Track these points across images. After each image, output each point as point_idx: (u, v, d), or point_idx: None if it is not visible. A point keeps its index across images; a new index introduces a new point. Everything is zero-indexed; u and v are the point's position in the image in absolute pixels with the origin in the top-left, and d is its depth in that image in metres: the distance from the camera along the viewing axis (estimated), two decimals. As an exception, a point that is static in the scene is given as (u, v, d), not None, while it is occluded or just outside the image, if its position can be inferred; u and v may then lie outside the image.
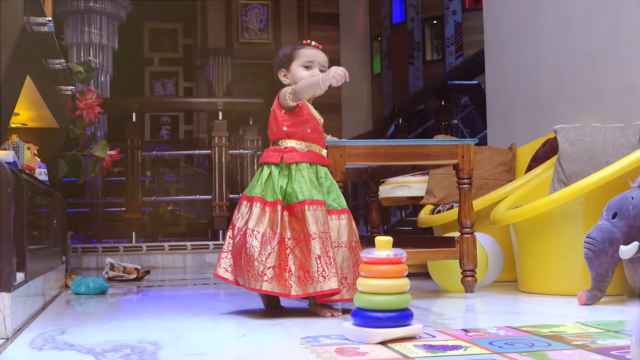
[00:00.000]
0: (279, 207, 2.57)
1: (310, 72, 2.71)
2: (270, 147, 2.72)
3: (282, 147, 2.67)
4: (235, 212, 2.70)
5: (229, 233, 2.70)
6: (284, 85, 2.75)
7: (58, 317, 2.69)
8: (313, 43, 2.75)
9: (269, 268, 2.49)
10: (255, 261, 2.50)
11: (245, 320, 2.51)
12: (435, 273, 3.38)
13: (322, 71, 2.72)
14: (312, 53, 2.74)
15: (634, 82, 3.69)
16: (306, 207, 2.55)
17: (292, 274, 2.51)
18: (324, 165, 2.71)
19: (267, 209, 2.58)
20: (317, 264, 2.50)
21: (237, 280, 2.61)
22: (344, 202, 2.70)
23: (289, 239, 2.55)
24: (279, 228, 2.54)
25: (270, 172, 2.64)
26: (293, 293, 2.50)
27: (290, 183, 2.61)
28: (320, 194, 2.60)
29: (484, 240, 3.39)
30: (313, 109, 2.73)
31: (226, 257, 2.67)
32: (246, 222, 2.60)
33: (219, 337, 2.17)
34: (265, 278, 2.48)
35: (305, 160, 2.64)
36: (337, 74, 2.56)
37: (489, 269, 3.35)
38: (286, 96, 2.65)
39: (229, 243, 2.68)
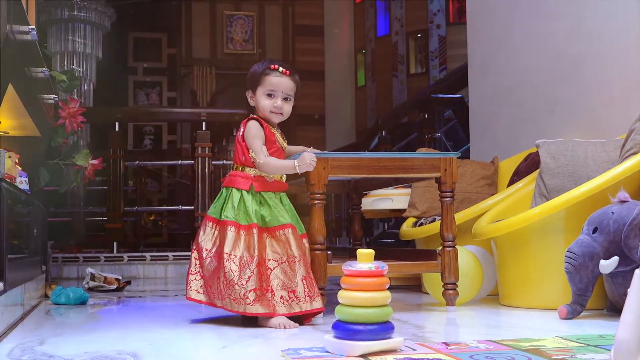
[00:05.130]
0: (255, 231, 2.64)
1: (271, 101, 2.75)
2: (237, 172, 2.76)
3: (251, 175, 2.73)
4: (200, 233, 2.75)
5: (194, 255, 2.76)
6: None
7: (37, 328, 2.67)
8: (280, 69, 2.76)
9: (250, 291, 2.55)
10: (236, 285, 2.56)
11: (226, 331, 2.51)
12: (428, 283, 3.35)
13: (285, 99, 2.77)
14: (276, 81, 2.75)
15: (616, 97, 3.73)
16: (290, 230, 2.66)
17: (274, 294, 2.58)
18: (284, 191, 2.82)
19: (241, 232, 2.64)
20: (304, 284, 2.61)
21: (214, 303, 2.66)
22: (303, 227, 2.82)
23: (269, 260, 2.62)
24: (256, 251, 2.61)
25: (242, 197, 2.70)
26: (278, 312, 2.57)
27: (266, 208, 2.69)
28: (292, 221, 2.72)
29: (478, 253, 3.39)
30: (279, 135, 2.82)
31: (195, 279, 2.73)
32: (215, 245, 2.67)
33: (199, 349, 2.16)
34: (248, 301, 2.55)
35: (272, 190, 2.75)
36: (313, 163, 2.68)
37: (484, 282, 3.35)
38: (253, 157, 2.71)
39: (196, 265, 2.74)
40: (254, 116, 2.78)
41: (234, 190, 2.72)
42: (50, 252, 4.91)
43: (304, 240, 2.77)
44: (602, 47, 3.85)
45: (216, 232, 2.70)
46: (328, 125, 11.92)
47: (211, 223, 2.73)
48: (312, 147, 2.92)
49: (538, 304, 3.10)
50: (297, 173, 2.72)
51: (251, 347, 2.14)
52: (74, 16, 7.79)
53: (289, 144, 2.90)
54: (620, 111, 3.66)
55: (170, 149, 12.31)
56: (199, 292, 2.71)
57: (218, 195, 2.79)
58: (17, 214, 3.02)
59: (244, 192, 2.70)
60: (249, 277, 2.56)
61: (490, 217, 3.51)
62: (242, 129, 2.76)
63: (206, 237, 2.71)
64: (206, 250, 2.70)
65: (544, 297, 3.09)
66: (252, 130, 2.73)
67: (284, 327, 2.53)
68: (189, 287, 2.73)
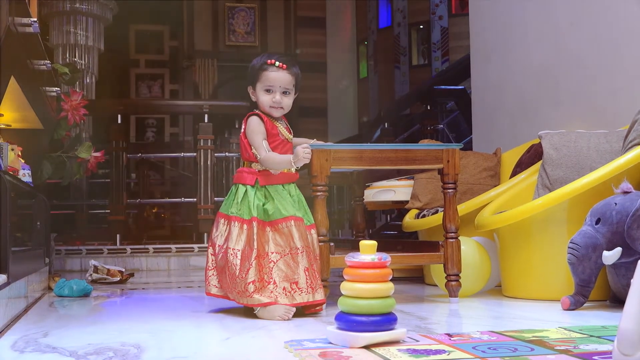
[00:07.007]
0: (255, 224, 2.66)
1: (270, 96, 2.76)
2: (243, 167, 2.80)
3: (256, 170, 2.76)
4: (214, 230, 2.80)
5: (210, 251, 2.81)
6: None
7: (41, 320, 2.68)
8: (277, 63, 2.77)
9: (249, 283, 2.59)
10: (237, 278, 2.62)
11: (229, 323, 2.51)
12: (435, 274, 3.35)
13: (284, 93, 2.78)
14: (273, 76, 2.77)
15: (618, 88, 3.72)
16: (292, 222, 2.67)
17: (277, 286, 2.61)
18: (293, 182, 2.83)
19: (244, 226, 2.69)
20: (306, 275, 2.63)
21: (228, 296, 2.73)
22: (312, 218, 2.82)
23: (272, 252, 2.64)
24: (255, 244, 2.64)
25: (246, 191, 2.73)
26: (280, 302, 2.59)
27: (270, 201, 2.72)
28: (298, 212, 2.73)
29: (486, 245, 3.39)
30: (283, 127, 2.82)
31: (213, 274, 2.79)
32: (226, 241, 2.70)
33: (202, 340, 2.16)
34: (248, 293, 2.59)
35: (278, 182, 2.76)
36: (307, 156, 2.69)
37: (492, 273, 3.35)
38: (255, 153, 2.73)
39: (212, 261, 2.79)
40: (255, 112, 2.80)
41: (240, 186, 2.76)
42: (54, 244, 4.92)
43: (312, 231, 2.77)
44: (605, 38, 3.84)
45: (227, 228, 2.73)
46: (330, 117, 11.90)
47: (222, 219, 2.77)
48: (315, 139, 2.93)
49: (541, 295, 3.10)
50: (297, 167, 2.76)
51: (254, 339, 2.15)
52: (75, 8, 7.79)
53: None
54: (623, 102, 3.65)
55: (172, 141, 12.31)
56: (216, 287, 2.77)
57: (229, 192, 2.83)
58: (20, 206, 3.03)
59: (249, 187, 2.73)
60: (248, 270, 2.60)
61: (493, 209, 3.51)
62: (244, 126, 2.79)
63: (218, 234, 2.76)
64: (219, 246, 2.74)
65: (547, 288, 3.09)
66: (252, 126, 2.75)
67: (287, 319, 2.54)
68: (207, 284, 2.79)
